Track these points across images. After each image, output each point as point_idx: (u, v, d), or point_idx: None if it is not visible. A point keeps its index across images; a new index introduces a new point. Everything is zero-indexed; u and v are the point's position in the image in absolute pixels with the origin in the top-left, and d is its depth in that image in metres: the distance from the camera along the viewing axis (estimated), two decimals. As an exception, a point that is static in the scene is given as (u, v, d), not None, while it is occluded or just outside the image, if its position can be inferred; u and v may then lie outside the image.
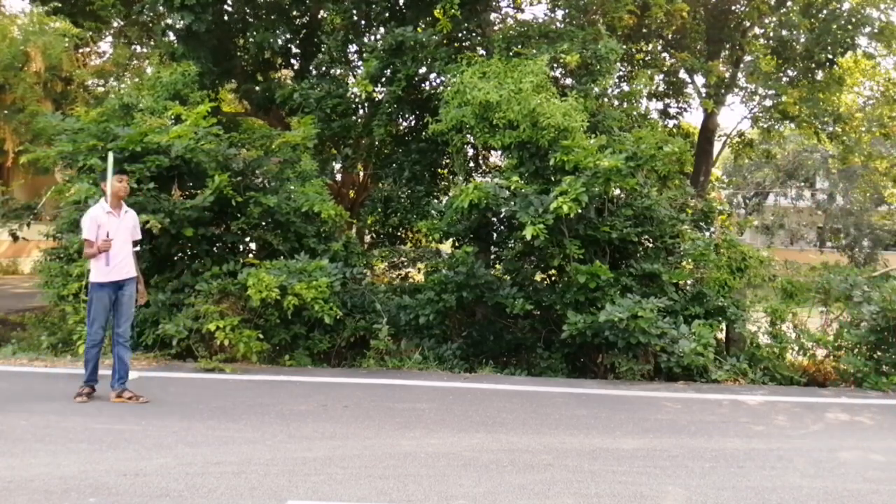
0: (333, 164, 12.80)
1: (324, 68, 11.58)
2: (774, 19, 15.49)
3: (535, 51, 9.70)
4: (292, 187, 8.56)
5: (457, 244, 8.87)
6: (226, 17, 11.97)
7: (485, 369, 7.60)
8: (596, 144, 8.11)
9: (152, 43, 14.07)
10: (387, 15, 11.21)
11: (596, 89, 10.00)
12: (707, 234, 9.40)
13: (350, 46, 12.07)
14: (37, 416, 5.08)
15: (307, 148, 9.14)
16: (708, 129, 17.61)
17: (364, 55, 11.02)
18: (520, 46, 10.10)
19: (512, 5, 13.34)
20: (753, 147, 19.89)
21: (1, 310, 11.36)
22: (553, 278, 8.89)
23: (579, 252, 7.77)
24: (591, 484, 4.06)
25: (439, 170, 11.99)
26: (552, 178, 8.19)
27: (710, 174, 18.67)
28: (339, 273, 7.60)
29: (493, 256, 9.40)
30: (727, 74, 16.28)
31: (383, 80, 10.67)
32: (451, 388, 6.45)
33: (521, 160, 8.54)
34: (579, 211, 7.40)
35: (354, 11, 11.23)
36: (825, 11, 14.62)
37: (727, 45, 16.40)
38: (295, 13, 12.72)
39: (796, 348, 8.32)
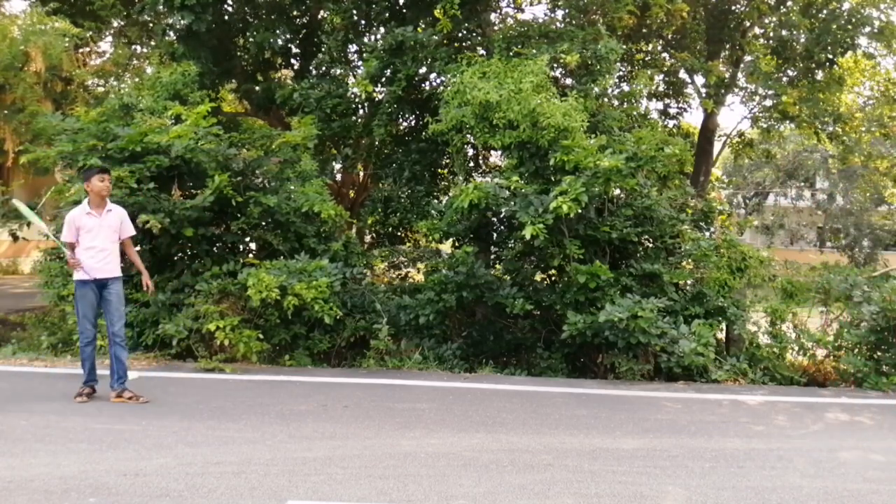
0: (333, 164, 12.81)
1: (324, 68, 11.58)
2: (774, 19, 15.50)
3: (535, 51, 9.70)
4: (292, 187, 8.56)
5: (457, 244, 8.87)
6: (226, 17, 11.97)
7: (485, 369, 7.60)
8: (596, 144, 8.10)
9: (152, 43, 14.08)
10: (387, 15, 11.21)
11: (596, 89, 10.00)
12: (707, 234, 9.40)
13: (350, 46, 12.07)
14: (37, 416, 5.08)
15: (307, 148, 9.14)
16: (708, 129, 17.61)
17: (364, 55, 11.02)
18: (520, 46, 10.10)
19: (512, 5, 13.35)
20: (753, 147, 19.90)
21: (1, 310, 11.36)
22: (553, 278, 8.88)
23: (579, 252, 7.77)
24: (591, 484, 4.06)
25: (439, 170, 11.99)
26: (552, 178, 8.19)
27: (710, 174, 18.68)
28: (339, 273, 7.60)
29: (493, 256, 9.40)
30: (727, 74, 16.28)
31: (383, 80, 10.67)
32: (451, 388, 6.45)
33: (521, 160, 8.54)
34: (579, 211, 7.40)
35: (354, 11, 11.23)
36: (825, 11, 14.63)
37: (727, 45, 16.40)
38: (295, 13, 12.72)
39: (796, 348, 8.32)
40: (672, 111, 17.55)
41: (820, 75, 15.40)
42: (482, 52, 10.88)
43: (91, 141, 7.64)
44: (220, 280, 7.33)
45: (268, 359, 7.39)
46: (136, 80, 13.64)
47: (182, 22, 10.44)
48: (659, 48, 16.79)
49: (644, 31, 14.93)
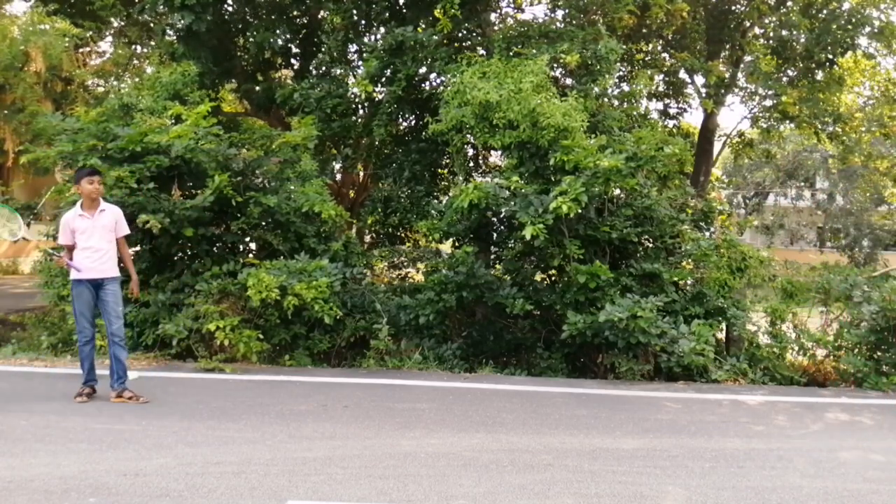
0: (333, 164, 12.82)
1: (324, 68, 11.58)
2: (774, 19, 15.50)
3: (535, 51, 9.69)
4: (292, 187, 8.56)
5: (457, 244, 8.87)
6: (226, 17, 11.97)
7: (485, 369, 7.60)
8: (596, 144, 8.10)
9: (152, 43, 14.08)
10: (387, 15, 11.21)
11: (596, 89, 10.00)
12: (707, 234, 9.40)
13: (350, 46, 12.07)
14: (37, 416, 5.08)
15: (307, 148, 9.14)
16: (708, 129, 17.62)
17: (364, 55, 11.02)
18: (520, 46, 10.10)
19: (512, 5, 13.35)
20: (753, 147, 19.92)
21: (1, 310, 11.36)
22: (553, 278, 8.88)
23: (579, 252, 7.77)
24: (591, 484, 4.06)
25: (439, 170, 11.99)
26: (552, 178, 8.19)
27: (710, 174, 18.69)
28: (339, 273, 7.60)
29: (493, 256, 9.40)
30: (727, 74, 16.29)
31: (383, 80, 10.67)
32: (451, 388, 6.45)
33: (521, 160, 8.54)
34: (579, 211, 7.40)
35: (354, 11, 11.23)
36: (825, 11, 14.64)
37: (727, 45, 16.41)
38: (295, 13, 12.72)
39: (796, 348, 8.32)
40: (672, 111, 17.56)
41: (820, 75, 15.41)
42: (482, 52, 10.88)
43: (91, 141, 7.64)
44: (220, 280, 7.33)
45: (268, 359, 7.39)
46: (136, 80, 13.65)
47: (182, 22, 10.44)
48: (659, 48, 16.80)
49: (644, 31, 14.93)
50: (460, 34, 11.21)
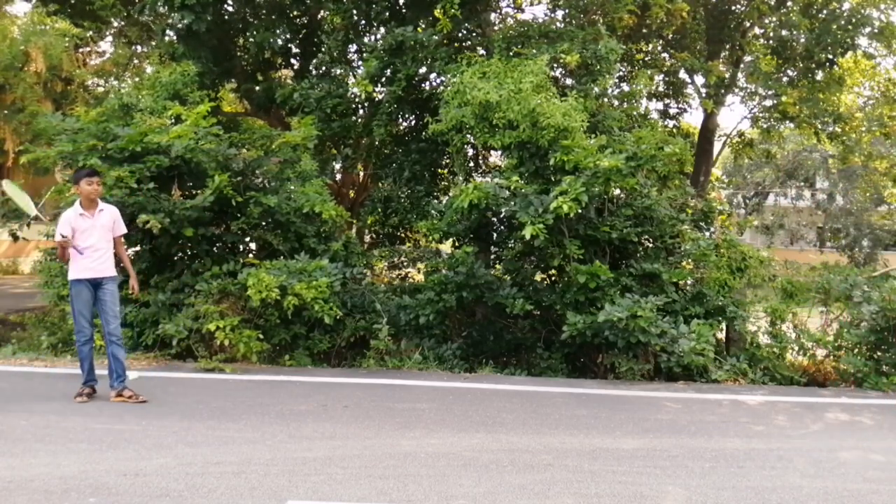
0: (333, 164, 12.82)
1: (324, 68, 11.58)
2: (774, 19, 15.50)
3: (535, 51, 9.70)
4: (292, 187, 8.56)
5: (457, 244, 8.87)
6: (226, 17, 11.97)
7: (485, 369, 7.60)
8: (596, 144, 8.11)
9: (152, 43, 14.08)
10: (387, 15, 11.20)
11: (596, 89, 10.00)
12: (707, 234, 9.40)
13: (350, 46, 12.07)
14: (37, 416, 5.08)
15: (307, 148, 9.14)
16: (708, 129, 17.62)
17: (364, 55, 11.03)
18: (520, 46, 10.10)
19: (512, 5, 13.35)
20: (753, 147, 19.91)
21: (1, 310, 11.36)
22: (553, 278, 8.88)
23: (579, 252, 7.77)
24: (591, 484, 4.06)
25: (439, 170, 11.99)
26: (552, 178, 8.19)
27: (710, 174, 18.69)
28: (339, 273, 7.60)
29: (493, 256, 9.40)
30: (727, 74, 16.29)
31: (383, 80, 10.67)
32: (451, 388, 6.45)
33: (521, 160, 8.54)
34: (579, 211, 7.40)
35: (354, 11, 11.23)
36: (825, 11, 14.64)
37: (727, 45, 16.41)
38: (295, 13, 12.72)
39: (796, 348, 8.32)
40: (672, 111, 17.55)
41: (820, 75, 15.40)
42: (482, 52, 10.88)
43: (91, 141, 7.64)
44: (220, 280, 7.33)
45: (268, 359, 7.39)
46: (136, 80, 13.65)
47: (182, 22, 10.44)
48: (659, 48, 16.79)
49: (644, 31, 14.93)
50: (460, 34, 11.22)
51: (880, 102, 18.41)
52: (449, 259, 8.65)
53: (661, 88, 17.33)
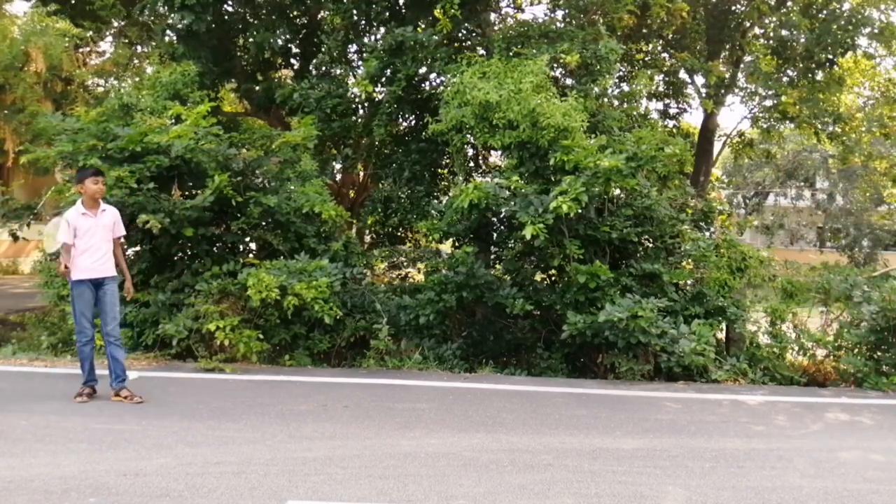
0: (333, 164, 12.81)
1: (324, 68, 11.58)
2: (774, 19, 15.50)
3: (535, 51, 9.69)
4: (292, 187, 8.56)
5: (457, 244, 8.87)
6: (226, 17, 11.97)
7: (485, 369, 7.60)
8: (596, 144, 8.10)
9: (152, 43, 14.08)
10: (387, 15, 11.20)
11: (596, 89, 10.00)
12: (707, 234, 9.40)
13: (350, 46, 12.06)
14: (37, 416, 5.08)
15: (307, 148, 9.13)
16: (708, 129, 17.63)
17: (364, 55, 11.03)
18: (520, 46, 10.10)
19: (512, 5, 13.35)
20: (753, 147, 19.91)
21: (1, 310, 11.36)
22: (553, 278, 8.88)
23: (579, 252, 7.77)
24: (591, 484, 4.06)
25: (439, 170, 11.98)
26: (552, 178, 8.19)
27: (710, 174, 18.69)
28: (339, 273, 7.60)
29: (493, 256, 9.39)
30: (727, 74, 16.29)
31: (383, 80, 10.67)
32: (451, 388, 6.45)
33: (521, 160, 8.54)
34: (579, 211, 7.40)
35: (354, 11, 11.22)
36: (825, 11, 14.63)
37: (727, 45, 16.41)
38: (295, 13, 12.72)
39: (796, 348, 8.32)
40: (672, 111, 17.56)
41: (820, 75, 15.40)
42: (482, 52, 10.87)
43: (91, 141, 7.64)
44: (220, 280, 7.33)
45: (268, 359, 7.39)
46: (136, 80, 13.65)
47: (182, 22, 10.43)
48: (659, 48, 16.80)
49: (644, 31, 14.94)
50: (460, 34, 11.21)
51: (880, 102, 18.41)
52: (449, 259, 8.65)
53: (661, 88, 17.34)
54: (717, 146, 18.86)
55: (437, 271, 8.57)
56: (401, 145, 11.52)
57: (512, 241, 8.76)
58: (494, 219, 8.86)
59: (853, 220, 28.13)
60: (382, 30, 11.54)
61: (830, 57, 14.66)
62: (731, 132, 19.29)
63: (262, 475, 4.03)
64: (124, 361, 5.66)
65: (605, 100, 10.82)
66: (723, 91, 16.25)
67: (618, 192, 8.43)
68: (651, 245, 8.74)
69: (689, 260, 8.56)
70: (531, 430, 5.15)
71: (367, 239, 14.11)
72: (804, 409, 6.13)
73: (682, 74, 16.99)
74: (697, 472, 4.34)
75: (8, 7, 14.95)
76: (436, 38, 10.00)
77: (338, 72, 11.79)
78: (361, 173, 14.36)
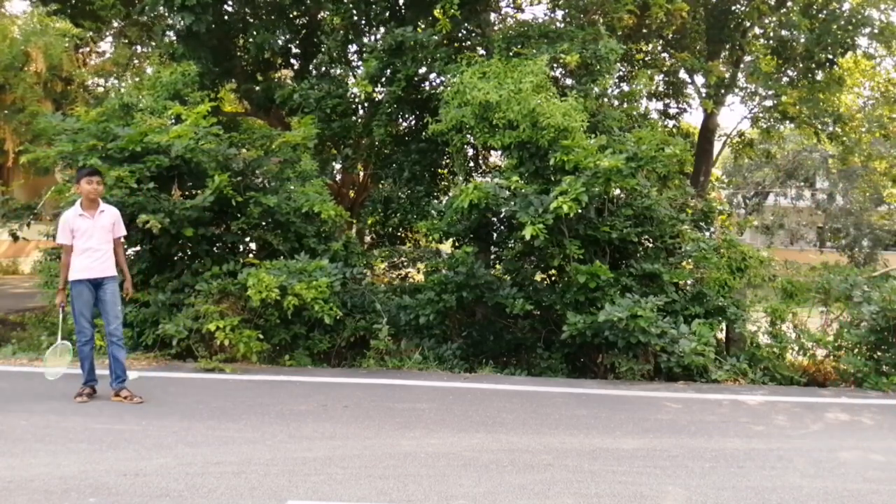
0: (333, 164, 12.81)
1: (324, 68, 11.59)
2: (774, 19, 15.50)
3: (535, 51, 9.70)
4: (292, 187, 8.56)
5: (457, 244, 8.87)
6: (226, 18, 11.97)
7: (485, 369, 7.60)
8: (596, 144, 8.10)
9: (152, 43, 14.07)
10: (387, 15, 11.20)
11: (596, 89, 10.00)
12: (707, 234, 9.40)
13: (350, 46, 12.07)
14: (37, 416, 5.08)
15: (307, 148, 9.14)
16: (708, 129, 17.63)
17: (364, 55, 11.02)
18: (520, 46, 10.10)
19: (512, 5, 13.36)
20: (753, 147, 19.92)
21: (1, 310, 11.36)
22: (553, 278, 8.88)
23: (579, 252, 7.77)
24: (591, 484, 4.06)
25: (439, 170, 11.99)
26: (552, 178, 8.19)
27: (710, 174, 18.69)
28: (339, 273, 7.60)
29: (493, 256, 9.40)
30: (727, 74, 16.29)
31: (383, 80, 10.67)
32: (451, 388, 6.45)
33: (521, 160, 8.54)
34: (579, 211, 7.40)
35: (354, 11, 11.23)
36: (825, 11, 14.63)
37: (727, 45, 16.41)
38: (295, 13, 12.72)
39: (796, 348, 8.31)
40: (672, 111, 17.57)
41: (820, 75, 15.40)
42: (482, 52, 10.88)
43: (91, 141, 7.64)
44: (220, 280, 7.33)
45: (268, 359, 7.39)
46: (136, 80, 13.65)
47: (182, 22, 10.43)
48: (659, 48, 16.80)
49: (644, 31, 14.94)
50: (460, 34, 11.22)
51: (880, 103, 18.41)
52: (449, 259, 8.65)
53: (661, 88, 17.35)
54: (717, 146, 18.86)
55: (437, 271, 8.57)
56: (401, 145, 11.52)
57: (512, 241, 8.76)
58: (494, 219, 8.86)
59: (853, 220, 28.14)
60: (382, 30, 11.55)
61: (830, 57, 14.67)
62: (731, 132, 19.31)
63: (262, 475, 4.03)
64: (125, 362, 5.66)
65: (605, 100, 10.82)
66: (723, 91, 16.25)
67: (618, 192, 8.44)
68: (651, 245, 8.74)
69: (689, 260, 8.55)
70: (531, 430, 5.15)
71: (367, 239, 14.12)
72: (804, 409, 6.13)
73: (682, 74, 17.00)
74: (697, 472, 4.34)
75: (7, 5, 14.94)
76: (436, 38, 10.00)
77: (338, 72, 11.80)
78: (361, 173, 14.36)
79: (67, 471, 4.01)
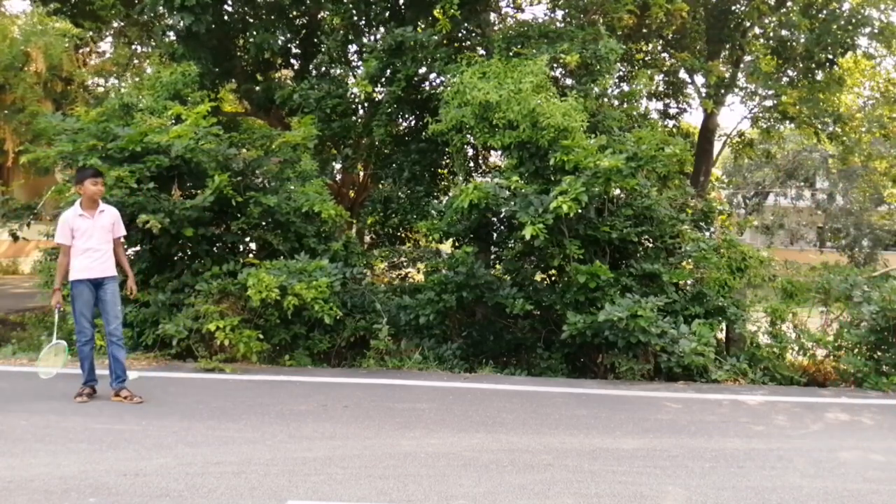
0: (333, 164, 12.81)
1: (324, 68, 11.58)
2: (774, 19, 15.50)
3: (535, 51, 9.70)
4: (292, 187, 8.56)
5: (457, 244, 8.87)
6: (225, 18, 11.96)
7: (485, 369, 7.60)
8: (596, 144, 8.10)
9: (152, 43, 14.08)
10: (387, 15, 11.20)
11: (596, 89, 10.00)
12: (707, 234, 9.40)
13: (350, 46, 12.07)
14: (37, 416, 5.08)
15: (307, 148, 9.13)
16: (708, 129, 17.63)
17: (364, 55, 11.02)
18: (520, 46, 10.10)
19: (512, 5, 13.36)
20: (753, 147, 19.92)
21: (1, 310, 11.36)
22: (553, 278, 8.88)
23: (579, 252, 7.77)
24: (591, 484, 4.06)
25: (439, 170, 11.99)
26: (552, 178, 8.19)
27: (710, 174, 18.69)
28: (339, 273, 7.60)
29: (493, 256, 9.40)
30: (727, 74, 16.29)
31: (383, 80, 10.67)
32: (451, 388, 6.45)
33: (521, 160, 8.54)
34: (579, 211, 7.40)
35: (354, 11, 11.23)
36: (825, 11, 14.63)
37: (727, 45, 16.41)
38: (295, 13, 12.72)
39: (796, 348, 8.31)
40: (672, 111, 17.57)
41: (820, 75, 15.40)
42: (482, 52, 10.88)
43: (91, 141, 7.64)
44: (220, 280, 7.33)
45: (268, 359, 7.39)
46: (136, 80, 13.65)
47: (182, 23, 10.43)
48: (659, 48, 16.80)
49: (644, 31, 14.94)
50: (460, 34, 11.21)
51: (880, 103, 18.41)
52: (449, 259, 8.65)
53: (661, 88, 17.35)
54: (717, 146, 18.86)
55: (437, 271, 8.57)
56: (401, 145, 11.52)
57: (512, 241, 8.76)
58: (494, 219, 8.86)
59: (853, 220, 28.15)
60: (382, 30, 11.55)
61: (830, 57, 14.66)
62: (731, 132, 19.30)
63: (262, 475, 4.03)
64: (125, 361, 5.66)
65: (605, 100, 10.82)
66: (723, 91, 16.25)
67: (618, 192, 8.44)
68: (651, 245, 8.74)
69: (689, 260, 8.55)
70: (531, 430, 5.15)
71: (367, 239, 14.11)
72: (804, 409, 6.13)
73: (682, 74, 17.00)
74: (697, 472, 4.34)
75: (7, 4, 14.94)
76: (436, 38, 10.00)
77: (337, 72, 11.79)
78: (361, 173, 14.36)
79: (67, 471, 4.01)
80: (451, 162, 10.70)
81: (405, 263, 11.73)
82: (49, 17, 13.24)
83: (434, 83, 11.27)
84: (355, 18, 11.52)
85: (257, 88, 12.67)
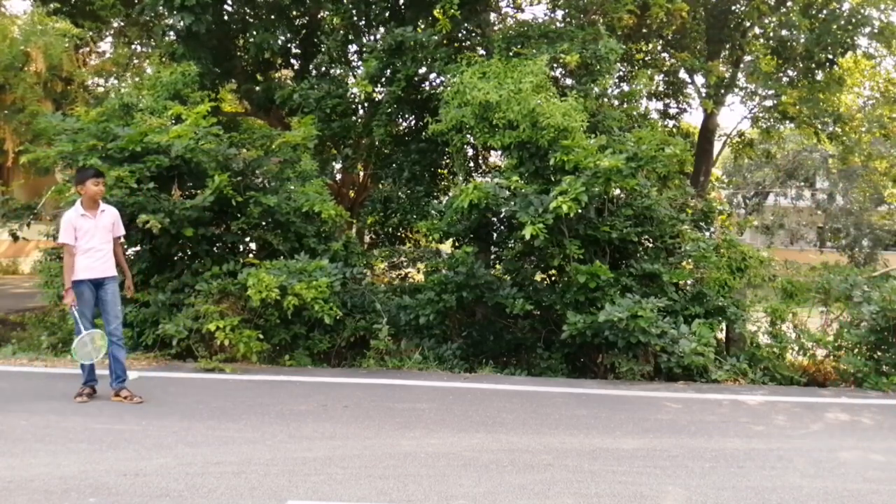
0: (333, 164, 12.81)
1: (324, 68, 11.58)
2: (774, 19, 15.50)
3: (534, 51, 9.70)
4: (292, 187, 8.56)
5: (457, 244, 8.87)
6: (226, 18, 11.97)
7: (485, 369, 7.60)
8: (596, 144, 8.10)
9: (152, 43, 14.07)
10: (387, 15, 11.20)
11: (596, 89, 10.00)
12: (707, 234, 9.40)
13: (350, 46, 12.07)
14: (37, 416, 5.08)
15: (307, 148, 9.13)
16: (708, 129, 17.63)
17: (364, 55, 11.03)
18: (520, 46, 10.10)
19: (512, 5, 13.36)
20: (753, 147, 19.91)
21: (1, 310, 11.36)
22: (553, 278, 8.88)
23: (579, 252, 7.77)
24: (591, 484, 4.06)
25: (439, 170, 11.99)
26: (552, 178, 8.19)
27: (710, 174, 18.69)
28: (339, 273, 7.60)
29: (493, 256, 9.40)
30: (727, 74, 16.29)
31: (383, 80, 10.67)
32: (451, 388, 6.45)
33: (521, 160, 8.54)
34: (579, 211, 7.40)
35: (354, 11, 11.23)
36: (825, 11, 14.63)
37: (727, 45, 16.41)
38: (295, 13, 12.72)
39: (796, 348, 8.32)
40: (672, 111, 17.57)
41: (820, 75, 15.40)
42: (482, 52, 10.88)
43: (91, 141, 7.64)
44: (220, 280, 7.33)
45: (268, 359, 7.39)
46: (137, 79, 13.64)
47: (182, 23, 10.43)
48: (659, 48, 16.80)
49: (644, 31, 14.94)
50: (460, 34, 11.21)
51: (880, 103, 18.41)
52: (449, 259, 8.65)
53: (661, 88, 17.35)
54: (717, 146, 18.86)
55: (437, 271, 8.57)
56: (401, 145, 11.52)
57: (512, 241, 8.76)
58: (494, 219, 8.86)
59: (853, 220, 28.15)
60: (382, 30, 11.55)
61: (830, 57, 14.66)
62: (731, 132, 19.30)
63: (262, 475, 4.03)
64: (125, 361, 5.67)
65: (605, 100, 10.82)
66: (723, 91, 16.25)
67: (618, 192, 8.44)
68: (651, 245, 8.74)
69: (689, 260, 8.55)
70: (531, 430, 5.15)
71: (367, 239, 14.11)
72: (804, 409, 6.13)
73: (682, 74, 17.00)
74: (697, 472, 4.34)
75: (8, 7, 14.94)
76: (435, 38, 10.00)
77: (337, 72, 11.79)
78: (361, 173, 14.36)
79: (67, 471, 4.01)
80: (451, 162, 10.70)
81: (405, 263, 11.73)
82: (49, 17, 13.23)
83: (434, 83, 11.27)
84: (355, 18, 11.52)
85: (257, 88, 12.67)
